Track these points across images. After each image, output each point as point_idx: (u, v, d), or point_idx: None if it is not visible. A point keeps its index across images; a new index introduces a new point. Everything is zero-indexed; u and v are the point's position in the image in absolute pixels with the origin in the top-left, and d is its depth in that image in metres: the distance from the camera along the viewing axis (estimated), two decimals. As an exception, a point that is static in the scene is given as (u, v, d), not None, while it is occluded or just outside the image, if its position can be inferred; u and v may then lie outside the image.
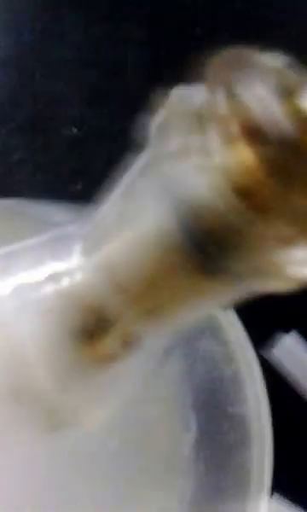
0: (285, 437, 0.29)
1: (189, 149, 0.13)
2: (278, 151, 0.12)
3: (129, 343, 0.16)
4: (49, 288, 0.17)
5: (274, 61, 0.13)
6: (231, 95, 0.12)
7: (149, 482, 0.21)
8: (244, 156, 0.12)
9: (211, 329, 0.26)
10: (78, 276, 0.16)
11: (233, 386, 0.24)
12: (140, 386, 0.19)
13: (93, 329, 0.16)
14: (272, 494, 0.28)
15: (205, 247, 0.13)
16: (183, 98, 0.13)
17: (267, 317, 0.33)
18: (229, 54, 0.13)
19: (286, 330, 0.33)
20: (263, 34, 0.37)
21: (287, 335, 0.32)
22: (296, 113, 0.12)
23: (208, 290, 0.15)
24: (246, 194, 0.12)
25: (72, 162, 0.37)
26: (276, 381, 0.32)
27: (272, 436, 0.26)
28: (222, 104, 0.12)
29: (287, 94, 0.12)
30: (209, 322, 0.26)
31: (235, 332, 0.26)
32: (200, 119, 0.13)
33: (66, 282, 0.16)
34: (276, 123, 0.12)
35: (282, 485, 0.29)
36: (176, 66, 0.21)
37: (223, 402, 0.23)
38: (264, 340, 0.33)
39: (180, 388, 0.22)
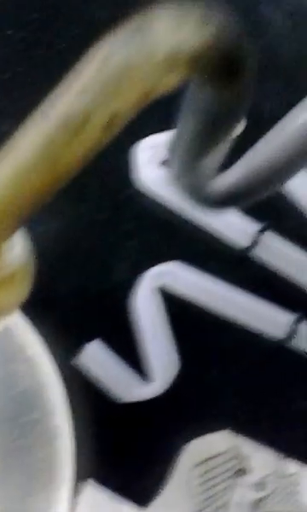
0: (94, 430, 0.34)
1: None
2: None
3: None
4: None
5: None
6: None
7: None
8: None
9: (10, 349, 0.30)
10: None
11: (27, 398, 0.29)
12: None
13: None
14: (87, 482, 0.33)
15: None
16: None
17: (74, 329, 0.38)
18: None
19: (90, 339, 0.38)
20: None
21: (91, 343, 0.37)
22: None
23: None
24: None
25: None
26: (86, 384, 0.37)
27: (75, 432, 0.31)
28: None
29: None
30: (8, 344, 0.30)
31: (35, 348, 0.31)
32: None
33: None
34: None
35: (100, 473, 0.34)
36: None
37: (16, 412, 0.28)
38: (74, 349, 0.38)
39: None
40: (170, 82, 0.13)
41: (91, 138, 0.14)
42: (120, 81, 0.13)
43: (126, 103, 0.13)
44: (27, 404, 0.29)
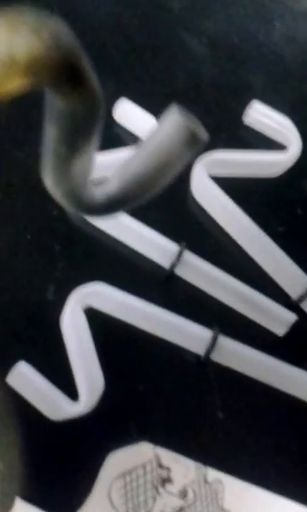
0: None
1: None
2: None
3: None
4: None
5: None
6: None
7: None
8: None
9: None
10: None
11: None
12: None
13: None
14: (14, 499, 0.34)
15: None
16: None
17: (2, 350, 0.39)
18: None
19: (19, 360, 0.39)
20: None
21: (18, 365, 0.38)
22: None
23: None
24: None
25: None
26: (14, 404, 0.38)
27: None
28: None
29: None
30: None
31: None
32: None
33: None
34: None
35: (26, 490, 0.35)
36: None
37: None
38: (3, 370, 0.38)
39: None
40: (11, 87, 0.15)
41: None
42: None
43: None
44: None
